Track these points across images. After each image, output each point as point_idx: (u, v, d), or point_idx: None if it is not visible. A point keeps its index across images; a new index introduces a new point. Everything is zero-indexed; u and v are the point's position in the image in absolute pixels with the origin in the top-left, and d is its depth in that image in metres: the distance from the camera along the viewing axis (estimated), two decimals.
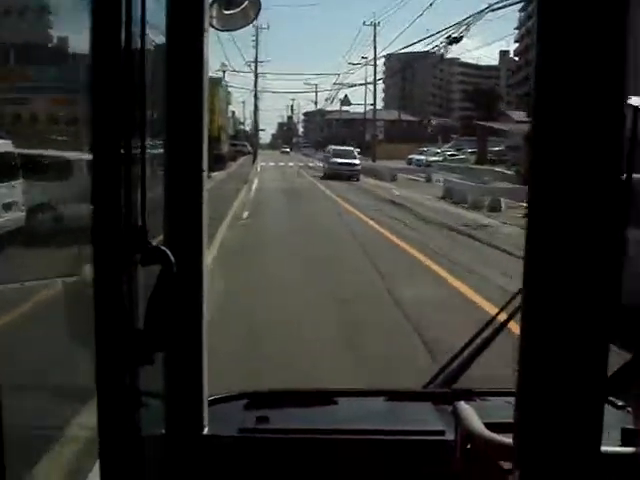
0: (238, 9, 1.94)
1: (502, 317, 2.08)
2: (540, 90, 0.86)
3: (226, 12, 1.90)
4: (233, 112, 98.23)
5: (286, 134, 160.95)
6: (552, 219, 0.85)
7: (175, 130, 1.55)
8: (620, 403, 1.91)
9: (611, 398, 1.97)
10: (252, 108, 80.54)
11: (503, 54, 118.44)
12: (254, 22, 1.97)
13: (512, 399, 0.98)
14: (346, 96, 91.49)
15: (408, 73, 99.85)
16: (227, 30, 1.91)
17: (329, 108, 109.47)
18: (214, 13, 1.88)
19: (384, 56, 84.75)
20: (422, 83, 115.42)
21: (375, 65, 66.45)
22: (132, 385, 1.28)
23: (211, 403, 1.74)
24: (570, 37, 0.84)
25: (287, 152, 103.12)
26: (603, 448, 0.92)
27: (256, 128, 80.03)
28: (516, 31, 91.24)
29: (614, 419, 1.87)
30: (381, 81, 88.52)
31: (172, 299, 1.24)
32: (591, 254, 0.85)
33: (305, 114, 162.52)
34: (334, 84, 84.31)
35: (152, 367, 1.29)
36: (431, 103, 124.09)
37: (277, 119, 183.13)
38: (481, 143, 52.96)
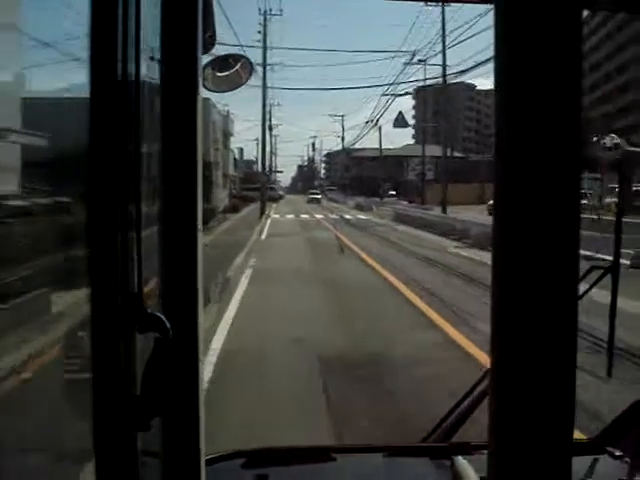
0: (231, 71, 2.00)
1: None
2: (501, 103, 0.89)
3: (219, 74, 1.96)
4: (241, 149, 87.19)
5: (307, 176, 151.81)
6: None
7: (169, 194, 1.58)
8: (618, 453, 1.92)
9: (609, 448, 1.98)
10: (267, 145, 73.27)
11: None
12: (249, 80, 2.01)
13: None
14: (400, 114, 74.30)
15: (441, 106, 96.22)
16: (220, 92, 1.96)
17: (357, 145, 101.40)
18: (208, 76, 1.93)
19: (414, 89, 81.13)
20: (456, 116, 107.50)
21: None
22: (129, 449, 1.29)
23: (209, 462, 1.74)
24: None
25: (317, 199, 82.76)
26: None
27: (263, 164, 61.31)
28: None
29: (612, 469, 1.88)
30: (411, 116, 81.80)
31: (169, 365, 1.26)
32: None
33: (327, 155, 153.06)
34: (366, 122, 74.86)
35: (150, 431, 1.31)
36: (469, 139, 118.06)
37: (296, 162, 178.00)
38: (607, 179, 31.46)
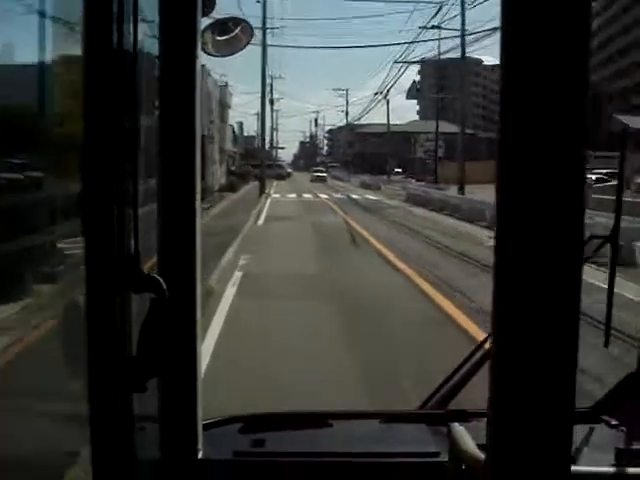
0: (231, 35, 1.98)
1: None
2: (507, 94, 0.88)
3: (219, 38, 1.93)
4: (241, 123, 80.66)
5: (309, 152, 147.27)
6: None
7: (167, 159, 1.59)
8: (614, 422, 1.93)
9: (605, 417, 1.99)
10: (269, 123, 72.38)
11: None
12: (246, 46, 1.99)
13: None
14: (415, 83, 70.21)
15: (445, 81, 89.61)
16: (220, 56, 1.94)
17: (362, 121, 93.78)
18: (207, 39, 1.91)
19: (418, 61, 72.58)
20: (461, 92, 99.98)
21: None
22: (125, 411, 1.30)
23: (206, 427, 1.76)
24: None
25: (323, 177, 76.77)
26: (592, 468, 0.94)
27: (262, 138, 58.76)
28: None
29: (608, 438, 1.89)
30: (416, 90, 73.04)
31: (165, 326, 1.26)
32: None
33: (329, 131, 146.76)
34: (375, 94, 67.97)
35: (146, 393, 1.32)
36: (476, 115, 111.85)
37: (298, 138, 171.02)
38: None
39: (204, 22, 1.86)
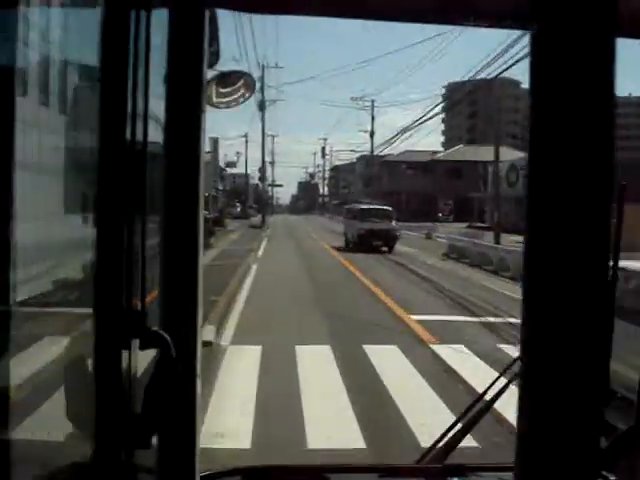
0: (234, 87, 2.03)
1: (491, 394, 2.12)
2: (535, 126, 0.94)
3: (222, 90, 1.99)
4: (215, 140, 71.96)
5: (311, 192, 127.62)
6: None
7: (171, 212, 1.62)
8: (612, 478, 1.95)
9: (604, 473, 2.01)
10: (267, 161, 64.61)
11: None
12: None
13: (504, 474, 1.03)
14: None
15: (474, 104, 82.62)
16: (224, 108, 2.00)
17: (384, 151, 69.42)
18: (211, 92, 1.96)
19: (444, 87, 70.94)
20: (490, 113, 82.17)
21: None
22: (128, 465, 1.32)
23: None
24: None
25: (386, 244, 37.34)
26: None
27: (263, 172, 58.32)
28: None
29: None
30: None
31: (170, 383, 1.29)
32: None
33: (332, 169, 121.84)
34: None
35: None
36: (509, 135, 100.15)
37: (297, 178, 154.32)
38: None
39: (209, 74, 1.92)
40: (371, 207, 37.25)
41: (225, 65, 2.06)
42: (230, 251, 29.28)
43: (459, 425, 2.22)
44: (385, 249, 33.31)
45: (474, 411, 2.22)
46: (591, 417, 0.94)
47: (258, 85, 53.48)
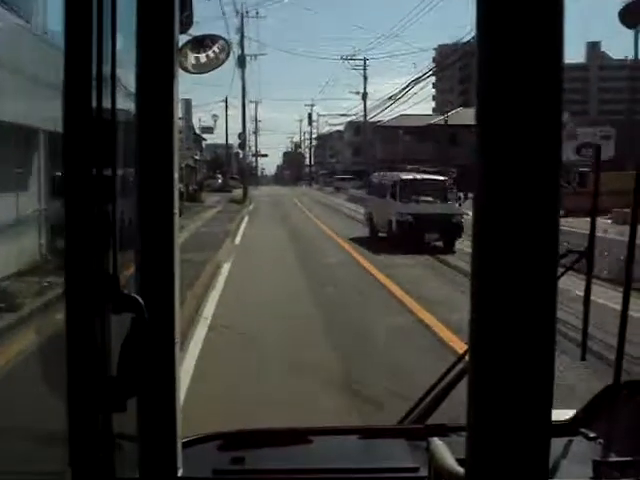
0: (208, 52, 2.01)
1: None
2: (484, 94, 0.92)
3: (196, 55, 1.97)
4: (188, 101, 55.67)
5: (296, 162, 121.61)
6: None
7: (146, 177, 1.62)
8: (592, 435, 1.97)
9: (583, 430, 2.03)
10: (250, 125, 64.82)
11: (593, 47, 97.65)
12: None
13: None
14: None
15: (466, 68, 77.25)
16: (197, 73, 1.97)
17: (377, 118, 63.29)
18: (185, 57, 1.94)
19: (434, 48, 68.28)
20: None
21: None
22: (105, 430, 1.33)
23: (185, 445, 1.79)
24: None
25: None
26: None
27: (244, 139, 54.85)
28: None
29: (586, 451, 1.93)
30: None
31: (144, 346, 1.30)
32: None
33: (318, 137, 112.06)
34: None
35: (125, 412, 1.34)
36: None
37: (283, 148, 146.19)
38: None
39: (182, 39, 1.90)
40: (417, 177, 23.49)
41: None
42: (197, 240, 19.45)
43: (440, 385, 2.25)
44: (439, 243, 20.42)
45: (454, 372, 2.25)
46: (543, 375, 0.94)
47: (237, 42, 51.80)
